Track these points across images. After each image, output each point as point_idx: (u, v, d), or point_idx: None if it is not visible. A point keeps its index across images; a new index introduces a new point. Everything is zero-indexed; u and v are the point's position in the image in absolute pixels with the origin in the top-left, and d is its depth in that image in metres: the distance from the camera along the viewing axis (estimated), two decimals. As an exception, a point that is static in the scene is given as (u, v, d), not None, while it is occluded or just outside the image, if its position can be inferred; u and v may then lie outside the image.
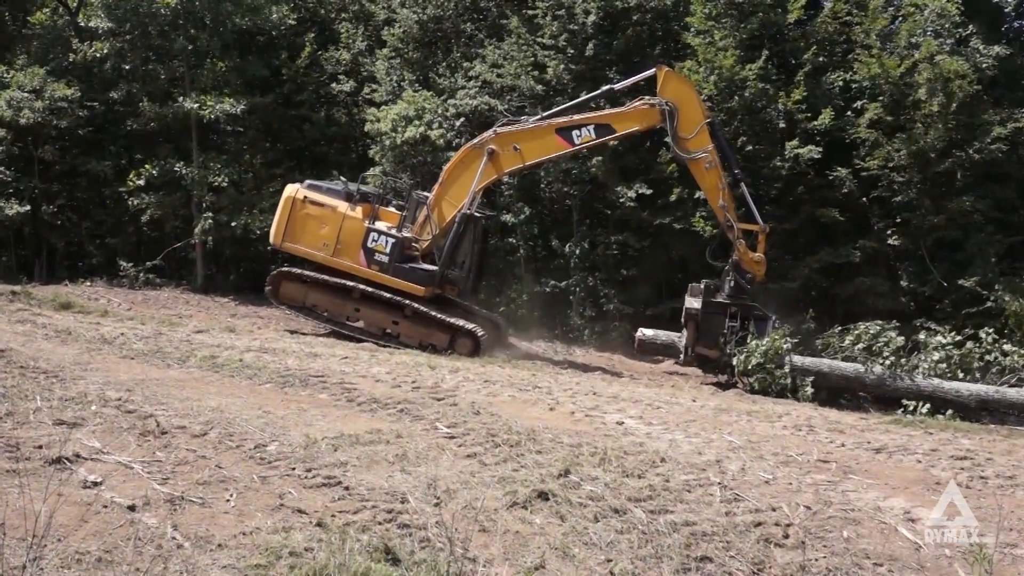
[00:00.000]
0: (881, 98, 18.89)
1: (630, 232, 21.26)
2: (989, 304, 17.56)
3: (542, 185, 22.13)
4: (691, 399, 12.90)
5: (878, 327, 16.16)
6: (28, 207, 24.48)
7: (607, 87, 17.66)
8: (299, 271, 17.90)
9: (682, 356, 17.04)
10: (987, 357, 15.29)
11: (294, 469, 6.99)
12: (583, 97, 18.04)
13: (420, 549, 5.56)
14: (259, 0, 24.79)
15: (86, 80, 25.88)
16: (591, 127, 16.82)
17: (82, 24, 26.71)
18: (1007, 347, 15.36)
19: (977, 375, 15.05)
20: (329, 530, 5.70)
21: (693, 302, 16.50)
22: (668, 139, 16.61)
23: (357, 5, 27.67)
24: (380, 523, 5.95)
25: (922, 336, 15.85)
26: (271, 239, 18.29)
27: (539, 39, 21.79)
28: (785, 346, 15.43)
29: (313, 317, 18.03)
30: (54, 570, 4.80)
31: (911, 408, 14.44)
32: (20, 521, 5.12)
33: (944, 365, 15.10)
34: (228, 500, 6.17)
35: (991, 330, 15.75)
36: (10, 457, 6.55)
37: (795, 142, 18.80)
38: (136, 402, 8.69)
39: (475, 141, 17.60)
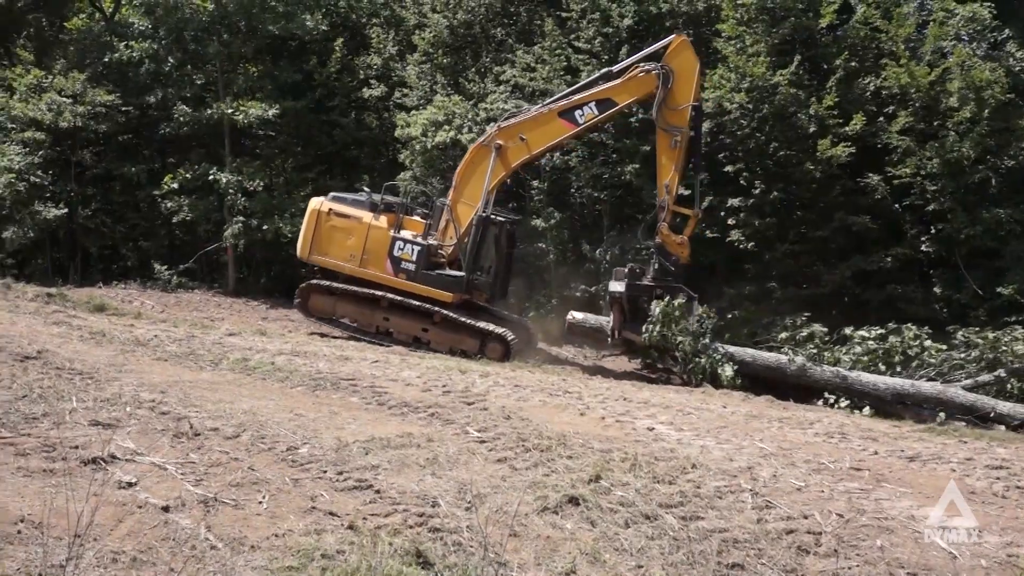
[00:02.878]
0: (911, 106, 18.66)
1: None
2: None
3: (572, 190, 22.12)
4: (722, 405, 12.84)
5: (803, 319, 16.57)
6: (65, 210, 24.78)
7: (605, 70, 17.86)
8: (327, 283, 18.01)
9: (609, 340, 17.51)
10: (908, 352, 15.43)
11: (326, 472, 7.03)
12: (582, 82, 18.18)
13: (451, 553, 5.57)
14: (293, 7, 24.98)
15: (121, 84, 26.16)
16: (592, 104, 17.11)
17: (118, 20, 27.05)
18: (927, 343, 15.46)
19: (899, 368, 15.23)
20: (360, 533, 5.72)
21: (617, 286, 16.91)
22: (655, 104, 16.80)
23: (388, 10, 27.80)
24: (411, 527, 5.96)
25: (847, 330, 16.10)
26: (298, 253, 18.47)
27: (574, 43, 21.80)
28: (676, 313, 15.93)
29: (343, 328, 18.14)
30: (91, 569, 4.85)
31: (831, 401, 14.80)
32: (57, 520, 5.18)
33: (866, 358, 15.40)
34: (260, 502, 6.20)
35: (912, 325, 15.87)
36: (47, 457, 6.64)
37: (826, 142, 18.65)
38: (170, 404, 8.77)
39: (481, 139, 17.89)
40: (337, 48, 25.67)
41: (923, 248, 18.80)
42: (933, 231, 18.75)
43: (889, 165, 18.81)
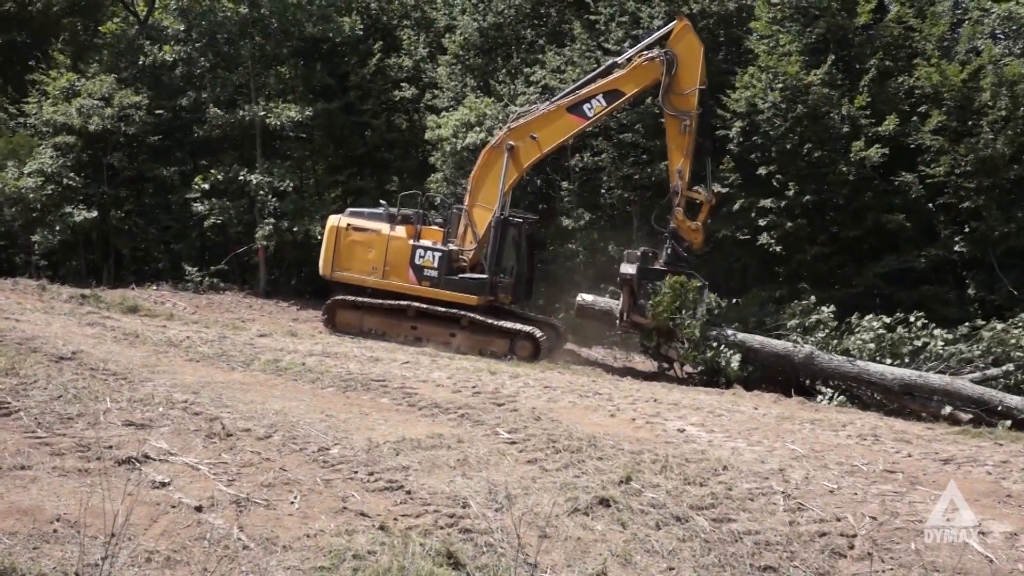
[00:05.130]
0: (945, 105, 18.44)
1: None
2: None
3: (602, 190, 22.06)
4: (753, 407, 12.76)
5: (812, 304, 16.45)
6: (97, 213, 25.02)
7: (610, 62, 17.87)
8: (352, 298, 18.09)
9: (618, 322, 17.35)
10: (916, 343, 15.29)
11: (356, 472, 7.04)
12: (588, 76, 18.17)
13: (482, 554, 5.56)
14: (328, 9, 25.11)
15: (154, 87, 26.40)
16: (600, 96, 17.19)
17: (152, 23, 27.31)
18: (936, 332, 15.30)
19: (907, 359, 15.09)
20: (391, 534, 5.72)
21: (628, 268, 16.88)
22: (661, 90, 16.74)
23: (419, 12, 27.86)
24: (442, 527, 5.96)
25: (854, 318, 16.02)
26: (320, 271, 18.57)
27: (603, 44, 21.75)
28: (689, 295, 16.01)
29: (373, 340, 18.22)
30: (126, 568, 4.89)
31: (830, 396, 14.82)
32: (92, 520, 5.22)
33: (873, 347, 15.26)
34: (292, 502, 6.23)
35: (922, 314, 15.70)
36: (82, 457, 6.69)
37: (860, 143, 18.47)
38: (202, 404, 8.83)
39: (493, 142, 18.00)
40: (374, 51, 25.74)
41: (957, 248, 18.59)
42: (967, 230, 18.53)
43: (923, 164, 18.61)
